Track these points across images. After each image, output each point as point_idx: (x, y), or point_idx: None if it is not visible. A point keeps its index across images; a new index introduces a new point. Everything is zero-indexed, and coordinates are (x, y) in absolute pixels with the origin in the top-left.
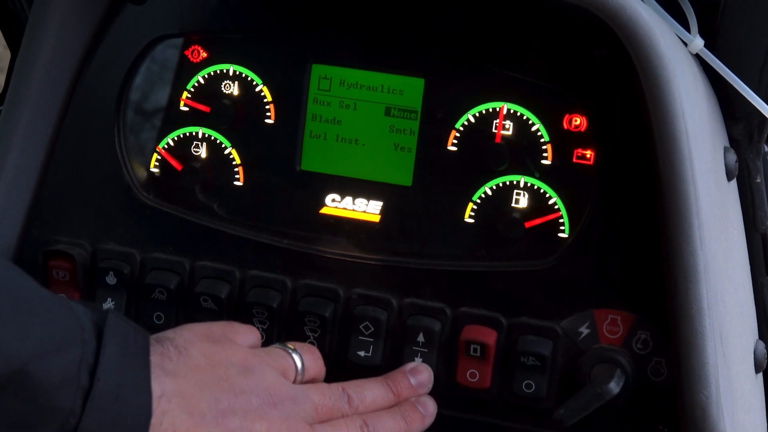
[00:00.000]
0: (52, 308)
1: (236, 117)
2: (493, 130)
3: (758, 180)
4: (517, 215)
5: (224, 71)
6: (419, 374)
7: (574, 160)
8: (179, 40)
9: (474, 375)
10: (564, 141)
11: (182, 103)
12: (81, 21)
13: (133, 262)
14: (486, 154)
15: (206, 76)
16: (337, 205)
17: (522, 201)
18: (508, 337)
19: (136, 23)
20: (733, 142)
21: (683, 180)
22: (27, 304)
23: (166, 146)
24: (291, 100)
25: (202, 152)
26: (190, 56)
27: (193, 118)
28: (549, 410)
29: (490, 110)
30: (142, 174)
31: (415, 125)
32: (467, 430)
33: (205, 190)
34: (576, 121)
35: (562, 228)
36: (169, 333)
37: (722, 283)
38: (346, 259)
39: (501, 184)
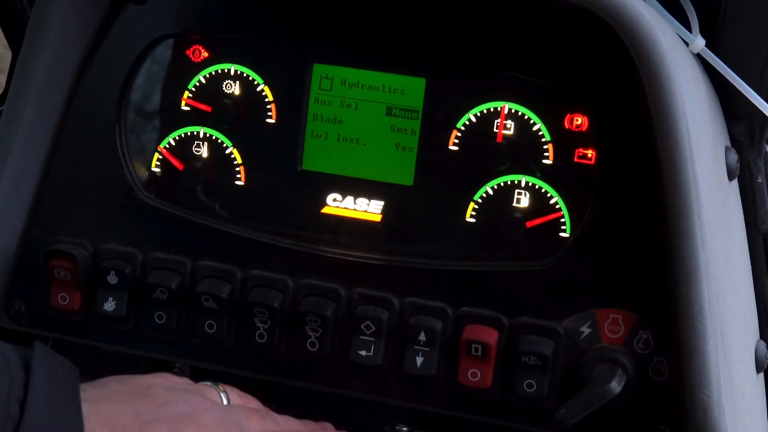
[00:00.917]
0: None
1: (237, 117)
2: (495, 130)
3: (759, 180)
4: (518, 215)
5: (225, 71)
6: None
7: (576, 159)
8: (180, 40)
9: (475, 375)
10: (565, 141)
11: (183, 102)
12: (82, 21)
13: (135, 261)
14: (487, 153)
15: (207, 75)
16: (338, 205)
17: (523, 201)
18: (510, 337)
19: (137, 23)
20: (735, 141)
21: (684, 180)
22: None
23: (167, 146)
24: (292, 99)
25: (204, 152)
26: (191, 56)
27: (195, 117)
28: (550, 410)
29: (492, 110)
30: (143, 174)
31: (416, 125)
32: (468, 430)
33: (206, 189)
34: (577, 120)
35: (563, 228)
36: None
37: (723, 282)
38: (348, 259)
39: (502, 184)
